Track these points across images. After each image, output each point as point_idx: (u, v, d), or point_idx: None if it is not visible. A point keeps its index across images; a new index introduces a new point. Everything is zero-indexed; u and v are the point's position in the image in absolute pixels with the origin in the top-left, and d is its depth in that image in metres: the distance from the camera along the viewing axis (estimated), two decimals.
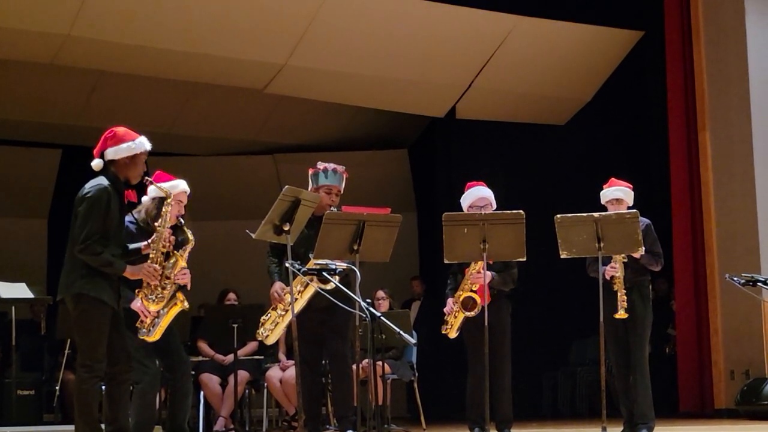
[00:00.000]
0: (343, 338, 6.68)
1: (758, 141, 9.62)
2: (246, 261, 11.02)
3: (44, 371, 9.72)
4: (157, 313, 5.83)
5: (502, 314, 7.04)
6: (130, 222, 6.06)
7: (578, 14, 10.70)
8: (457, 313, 6.96)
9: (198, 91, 11.77)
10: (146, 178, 5.73)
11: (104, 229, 5.37)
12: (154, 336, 5.87)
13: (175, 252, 5.81)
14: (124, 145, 5.51)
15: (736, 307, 9.43)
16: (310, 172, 6.80)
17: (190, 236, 5.97)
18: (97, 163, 5.51)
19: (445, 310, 7.06)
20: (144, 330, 5.85)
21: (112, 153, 5.50)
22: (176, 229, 6.01)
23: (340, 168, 6.79)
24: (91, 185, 5.45)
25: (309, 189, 6.66)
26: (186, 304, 5.88)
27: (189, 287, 6.01)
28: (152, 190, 6.08)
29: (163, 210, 5.79)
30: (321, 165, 6.78)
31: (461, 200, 7.16)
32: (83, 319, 5.38)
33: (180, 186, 6.26)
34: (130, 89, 11.35)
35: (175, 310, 5.89)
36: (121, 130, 5.57)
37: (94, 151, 5.54)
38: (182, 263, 5.82)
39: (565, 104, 11.67)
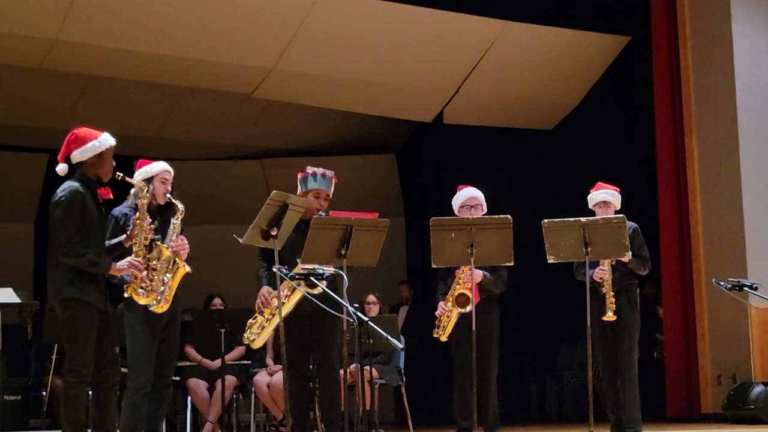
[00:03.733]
0: (330, 343, 6.66)
1: (744, 146, 9.64)
2: (233, 266, 11.00)
3: (31, 376, 9.68)
4: (162, 282, 5.80)
5: (490, 319, 7.03)
6: (131, 209, 6.11)
7: (565, 19, 10.73)
8: (450, 313, 6.93)
9: (186, 96, 11.77)
10: (117, 173, 5.75)
11: (84, 229, 5.37)
12: (163, 306, 5.83)
13: (158, 243, 5.83)
14: (89, 145, 5.52)
15: (723, 311, 9.46)
16: (299, 176, 6.80)
17: (180, 206, 5.99)
18: (62, 168, 5.52)
19: (437, 313, 7.04)
20: (152, 302, 5.79)
21: (78, 155, 5.51)
22: (167, 205, 6.09)
23: (329, 172, 6.78)
24: (62, 189, 5.46)
25: (298, 193, 6.66)
26: (188, 267, 5.87)
27: (187, 255, 6.05)
28: (137, 175, 6.10)
29: (140, 203, 5.80)
30: (310, 169, 6.78)
31: (453, 201, 7.18)
32: (71, 323, 5.37)
33: (159, 166, 6.25)
34: (118, 93, 11.33)
35: (179, 275, 5.87)
36: (82, 130, 5.58)
37: (58, 156, 5.55)
38: (166, 253, 5.83)
39: (552, 109, 11.70)
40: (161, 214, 6.12)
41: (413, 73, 10.82)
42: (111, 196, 6.08)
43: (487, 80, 11.00)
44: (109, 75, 10.54)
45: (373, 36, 10.27)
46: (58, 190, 5.46)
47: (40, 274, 11.35)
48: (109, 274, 5.64)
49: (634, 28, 10.86)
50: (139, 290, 5.76)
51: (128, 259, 5.63)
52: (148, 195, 5.91)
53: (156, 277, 5.79)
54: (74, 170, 5.51)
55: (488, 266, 6.95)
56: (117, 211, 6.12)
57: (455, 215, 7.08)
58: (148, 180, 6.14)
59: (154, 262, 5.78)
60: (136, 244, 5.71)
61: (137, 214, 5.79)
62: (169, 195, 6.15)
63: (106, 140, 5.57)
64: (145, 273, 5.72)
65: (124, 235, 5.72)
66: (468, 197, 7.11)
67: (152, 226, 5.80)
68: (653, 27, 10.33)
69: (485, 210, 7.10)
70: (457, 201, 7.16)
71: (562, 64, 11.00)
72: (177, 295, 5.96)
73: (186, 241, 6.09)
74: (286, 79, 10.51)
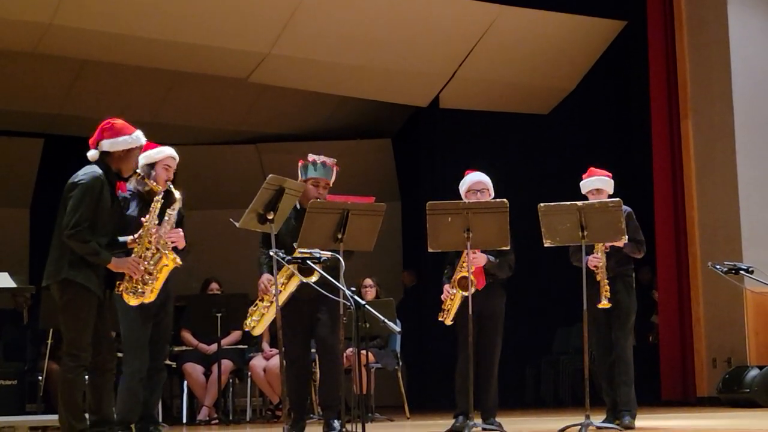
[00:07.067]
0: (333, 328, 6.63)
1: (740, 130, 9.66)
2: (229, 250, 11.01)
3: (27, 361, 9.69)
4: (149, 274, 5.77)
5: (496, 303, 6.98)
6: (131, 193, 6.17)
7: (562, 4, 10.71)
8: (453, 297, 6.91)
9: (181, 81, 11.73)
10: (136, 171, 5.76)
11: (94, 218, 5.35)
12: (150, 297, 5.80)
13: (159, 249, 5.79)
14: (121, 138, 5.51)
15: (719, 295, 9.48)
16: (300, 163, 6.77)
17: (177, 196, 5.98)
18: (93, 154, 5.50)
19: (442, 297, 7.02)
20: (140, 291, 5.77)
21: (108, 145, 5.49)
22: (166, 192, 6.04)
23: (330, 161, 6.75)
24: (84, 172, 5.43)
25: (298, 181, 6.64)
26: (179, 260, 5.83)
27: (183, 246, 6.07)
28: (141, 158, 6.07)
29: (152, 206, 5.80)
30: (311, 157, 6.74)
31: (459, 186, 7.12)
32: (69, 307, 5.36)
33: (164, 151, 6.28)
34: (113, 78, 11.29)
35: (168, 270, 5.82)
36: (119, 122, 5.57)
37: (90, 141, 5.53)
38: (165, 261, 5.79)
39: (548, 93, 11.69)
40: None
41: (409, 58, 10.80)
42: (126, 192, 6.10)
43: (484, 65, 10.99)
44: (104, 60, 10.51)
45: (369, 20, 10.24)
46: (80, 172, 5.44)
47: (35, 259, 11.35)
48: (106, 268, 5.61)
49: (630, 13, 10.85)
50: (131, 291, 5.73)
51: (129, 258, 5.59)
52: (158, 169, 6.01)
53: (149, 281, 5.74)
54: (101, 158, 5.50)
55: (495, 250, 6.92)
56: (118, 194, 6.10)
57: (462, 200, 7.03)
58: (151, 165, 6.15)
59: (151, 267, 5.73)
60: (139, 245, 5.69)
61: (147, 216, 5.77)
62: (169, 183, 6.13)
63: (138, 138, 5.56)
64: (140, 276, 5.67)
65: (131, 237, 5.69)
66: (475, 182, 7.05)
67: (159, 234, 5.78)
68: (649, 11, 10.34)
69: (492, 195, 7.04)
70: (463, 185, 7.09)
71: (558, 49, 10.99)
72: (169, 280, 5.93)
73: (181, 234, 6.05)
74: (282, 64, 10.49)
